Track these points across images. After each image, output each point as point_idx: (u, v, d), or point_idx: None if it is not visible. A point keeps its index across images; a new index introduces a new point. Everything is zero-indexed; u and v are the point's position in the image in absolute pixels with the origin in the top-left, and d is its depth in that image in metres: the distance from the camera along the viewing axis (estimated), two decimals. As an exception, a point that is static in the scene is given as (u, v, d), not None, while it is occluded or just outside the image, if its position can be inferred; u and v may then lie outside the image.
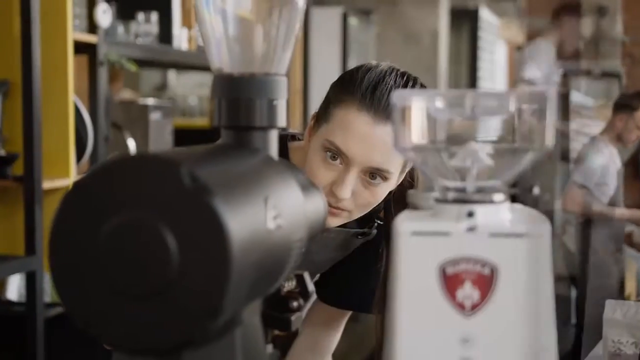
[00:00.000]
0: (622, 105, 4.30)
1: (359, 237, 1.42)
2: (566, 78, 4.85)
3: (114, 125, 3.04)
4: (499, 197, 0.67)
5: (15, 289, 2.92)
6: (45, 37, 2.46)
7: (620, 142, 4.34)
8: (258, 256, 0.63)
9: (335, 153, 1.25)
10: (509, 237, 0.65)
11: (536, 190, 4.59)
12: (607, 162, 4.26)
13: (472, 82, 7.43)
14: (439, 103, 0.67)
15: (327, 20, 5.18)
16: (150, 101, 3.28)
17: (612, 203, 4.39)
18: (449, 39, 6.50)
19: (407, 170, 1.34)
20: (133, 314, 0.60)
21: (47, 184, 2.47)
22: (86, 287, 0.61)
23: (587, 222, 4.47)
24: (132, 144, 3.05)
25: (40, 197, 2.40)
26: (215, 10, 0.76)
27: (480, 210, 0.66)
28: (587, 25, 4.78)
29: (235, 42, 0.76)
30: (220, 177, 0.62)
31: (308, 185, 0.82)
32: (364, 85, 1.25)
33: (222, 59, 0.76)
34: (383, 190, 1.29)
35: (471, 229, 0.65)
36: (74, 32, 2.61)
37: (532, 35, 8.42)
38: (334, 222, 1.30)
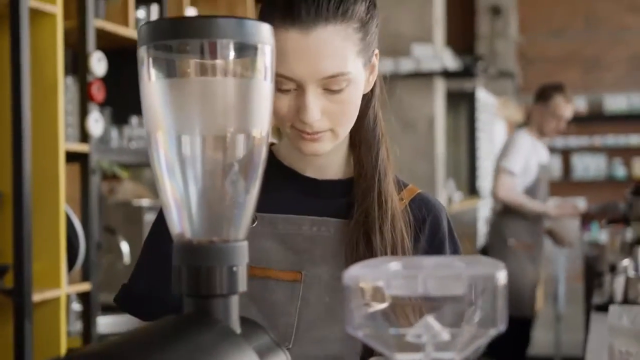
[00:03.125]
0: (539, 96, 4.56)
1: None
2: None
3: (108, 229, 3.04)
4: (456, 373, 0.66)
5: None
6: (36, 148, 2.47)
7: (542, 134, 4.62)
8: None
9: (283, 83, 1.17)
10: (465, 420, 0.63)
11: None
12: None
13: (472, 162, 7.47)
14: (393, 281, 0.66)
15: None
16: (145, 202, 3.28)
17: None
18: (447, 122, 6.55)
19: (373, 54, 1.25)
20: None
21: (37, 296, 2.44)
22: None
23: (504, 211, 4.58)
24: (125, 248, 3.04)
25: (31, 311, 2.37)
26: (176, 178, 0.76)
27: (436, 390, 0.65)
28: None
29: (196, 209, 0.76)
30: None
31: (271, 348, 0.81)
32: (278, 2, 1.17)
33: (182, 225, 0.76)
34: (352, 94, 1.20)
35: (426, 413, 0.64)
36: (66, 142, 2.63)
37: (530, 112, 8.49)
38: (321, 147, 1.22)
